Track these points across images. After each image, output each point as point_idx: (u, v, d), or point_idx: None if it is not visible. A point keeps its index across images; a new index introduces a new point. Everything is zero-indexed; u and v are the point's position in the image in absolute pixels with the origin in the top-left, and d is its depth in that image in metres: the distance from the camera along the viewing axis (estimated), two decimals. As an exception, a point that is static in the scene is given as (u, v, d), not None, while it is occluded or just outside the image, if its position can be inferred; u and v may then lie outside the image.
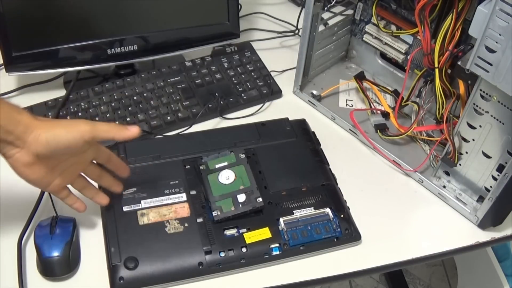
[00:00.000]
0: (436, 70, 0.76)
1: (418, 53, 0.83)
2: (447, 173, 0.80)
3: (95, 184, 0.72)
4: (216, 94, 0.91)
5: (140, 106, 0.88)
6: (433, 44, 0.75)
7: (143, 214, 0.71)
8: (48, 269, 0.67)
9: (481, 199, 0.77)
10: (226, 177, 0.75)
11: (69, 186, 0.68)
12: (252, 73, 0.96)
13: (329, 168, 0.81)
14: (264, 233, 0.71)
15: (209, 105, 0.89)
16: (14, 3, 0.80)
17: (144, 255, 0.67)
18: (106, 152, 0.69)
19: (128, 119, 0.85)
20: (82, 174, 0.69)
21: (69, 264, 0.67)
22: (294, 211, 0.73)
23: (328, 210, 0.74)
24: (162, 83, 0.91)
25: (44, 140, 0.59)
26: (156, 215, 0.71)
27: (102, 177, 0.70)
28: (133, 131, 0.65)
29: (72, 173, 0.67)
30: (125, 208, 0.72)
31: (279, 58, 1.01)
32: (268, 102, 0.93)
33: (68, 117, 0.84)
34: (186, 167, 0.78)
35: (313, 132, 0.87)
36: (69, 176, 0.67)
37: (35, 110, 0.85)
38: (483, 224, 0.76)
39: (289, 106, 0.93)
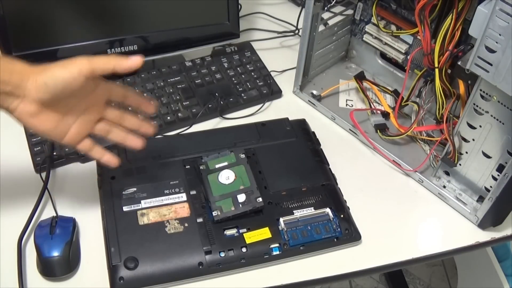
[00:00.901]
0: (436, 70, 0.76)
1: (418, 53, 0.83)
2: (447, 173, 0.80)
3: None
4: (216, 94, 0.91)
5: (140, 106, 0.88)
6: (433, 44, 0.75)
7: (143, 214, 0.71)
8: (48, 269, 0.67)
9: (481, 199, 0.77)
10: (226, 177, 0.75)
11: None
12: (252, 73, 0.96)
13: (329, 168, 0.81)
14: (264, 233, 0.71)
15: (209, 105, 0.89)
16: (14, 3, 0.80)
17: (144, 255, 0.67)
18: (120, 89, 0.65)
19: (128, 119, 0.85)
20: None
21: (69, 264, 0.67)
22: (294, 211, 0.74)
23: (328, 210, 0.74)
24: (162, 83, 0.91)
25: (43, 83, 0.57)
26: (156, 215, 0.71)
27: (125, 118, 0.67)
28: (134, 60, 0.61)
29: (88, 118, 0.63)
30: (125, 208, 0.72)
31: (279, 58, 1.01)
32: (268, 102, 0.93)
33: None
34: (186, 167, 0.78)
35: (313, 132, 0.87)
36: (85, 122, 0.63)
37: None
38: (483, 224, 0.76)
39: (289, 106, 0.93)
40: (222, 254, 0.69)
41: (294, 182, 0.77)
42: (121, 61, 0.61)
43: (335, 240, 0.72)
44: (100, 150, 0.66)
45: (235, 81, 0.94)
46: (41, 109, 0.59)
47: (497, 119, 0.69)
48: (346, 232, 0.73)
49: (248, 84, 0.94)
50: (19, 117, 0.59)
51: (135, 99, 0.67)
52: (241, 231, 0.71)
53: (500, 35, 0.61)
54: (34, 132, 0.59)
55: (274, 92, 0.94)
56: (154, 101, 0.61)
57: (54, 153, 0.79)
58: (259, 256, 0.70)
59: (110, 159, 0.67)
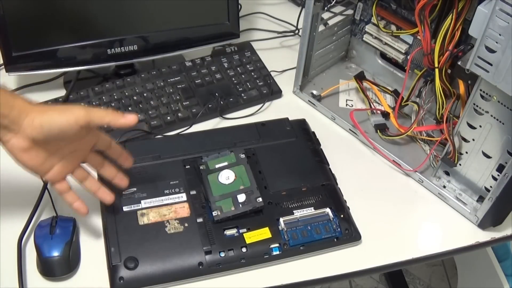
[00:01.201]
0: (436, 70, 0.76)
1: (418, 53, 0.83)
2: (447, 173, 0.80)
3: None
4: (216, 94, 0.91)
5: (140, 106, 0.88)
6: (433, 44, 0.75)
7: (143, 214, 0.71)
8: (48, 269, 0.67)
9: (481, 199, 0.77)
10: (226, 177, 0.75)
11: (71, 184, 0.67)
12: (252, 73, 0.96)
13: (329, 168, 0.81)
14: (264, 233, 0.71)
15: (209, 105, 0.89)
16: (14, 3, 0.80)
17: (144, 255, 0.67)
18: (106, 139, 0.68)
19: (128, 119, 0.85)
20: (83, 165, 0.68)
21: (69, 264, 0.67)
22: (294, 211, 0.73)
23: (328, 210, 0.74)
24: (162, 83, 0.91)
25: (38, 124, 0.59)
26: (156, 215, 0.71)
27: (104, 166, 0.69)
28: (129, 118, 0.64)
29: (72, 160, 0.66)
30: (125, 208, 0.72)
31: (279, 58, 1.01)
32: (268, 102, 0.93)
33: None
34: (186, 167, 0.78)
35: (313, 132, 0.87)
36: (68, 163, 0.65)
37: (35, 110, 0.85)
38: (483, 224, 0.76)
39: (289, 106, 0.93)
40: (222, 254, 0.69)
41: (294, 182, 0.77)
42: (117, 117, 0.63)
43: (335, 240, 0.72)
44: (73, 195, 0.67)
45: (235, 81, 0.94)
46: (32, 146, 0.61)
47: (497, 119, 0.69)
48: (346, 232, 0.73)
49: (248, 84, 0.94)
50: (10, 150, 0.61)
51: (117, 151, 0.70)
52: (241, 231, 0.71)
53: (500, 35, 0.61)
54: (20, 165, 0.62)
55: (274, 92, 0.94)
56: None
57: (54, 153, 0.79)
58: (259, 256, 0.70)
59: (80, 207, 0.68)
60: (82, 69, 0.90)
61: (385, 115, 0.89)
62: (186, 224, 0.71)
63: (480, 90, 0.69)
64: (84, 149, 0.67)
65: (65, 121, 0.60)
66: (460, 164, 0.77)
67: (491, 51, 0.63)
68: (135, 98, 0.88)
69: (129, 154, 0.71)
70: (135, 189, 0.74)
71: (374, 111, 0.89)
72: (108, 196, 0.69)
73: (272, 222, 0.72)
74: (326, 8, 0.87)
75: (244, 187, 0.74)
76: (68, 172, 0.67)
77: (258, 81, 0.94)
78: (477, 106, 0.71)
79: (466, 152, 0.76)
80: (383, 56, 0.94)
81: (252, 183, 0.75)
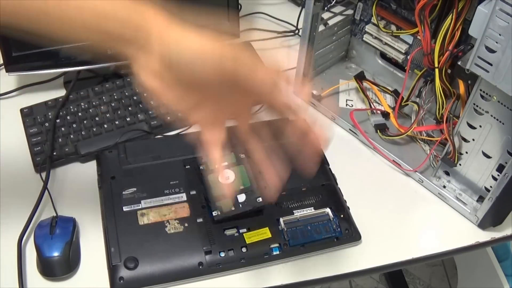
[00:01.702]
0: (436, 70, 0.76)
1: (418, 53, 0.83)
2: (447, 173, 0.80)
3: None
4: (216, 94, 0.90)
5: (140, 106, 0.87)
6: (433, 44, 0.75)
7: (143, 214, 0.71)
8: (48, 269, 0.67)
9: (481, 199, 0.77)
10: (226, 177, 0.75)
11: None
12: (252, 73, 0.95)
13: (329, 168, 0.81)
14: (264, 233, 0.71)
15: (209, 105, 0.89)
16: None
17: (144, 255, 0.67)
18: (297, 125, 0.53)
19: (128, 119, 0.85)
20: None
21: (69, 264, 0.67)
22: (294, 211, 0.73)
23: (328, 210, 0.74)
24: (162, 83, 0.91)
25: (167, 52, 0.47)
26: (156, 215, 0.71)
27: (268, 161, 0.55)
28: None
29: (228, 111, 0.53)
30: (125, 208, 0.72)
31: (279, 58, 1.01)
32: (268, 102, 0.93)
33: (68, 117, 0.84)
34: (186, 167, 0.78)
35: (313, 132, 0.87)
36: (223, 111, 0.53)
37: (35, 110, 0.85)
38: (483, 224, 0.76)
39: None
40: (222, 254, 0.69)
41: (294, 182, 0.77)
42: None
43: (335, 240, 0.72)
44: (220, 155, 0.54)
45: (235, 81, 0.94)
46: (165, 72, 0.49)
47: (497, 119, 0.69)
48: (346, 232, 0.73)
49: (248, 84, 0.94)
50: (138, 72, 0.50)
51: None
52: (241, 231, 0.71)
53: (500, 35, 0.61)
54: (155, 99, 0.50)
55: (274, 92, 0.94)
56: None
57: (54, 153, 0.79)
58: (259, 256, 0.70)
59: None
60: (82, 69, 0.90)
61: (385, 115, 0.89)
62: (186, 224, 0.71)
63: (480, 90, 0.69)
64: (246, 103, 0.53)
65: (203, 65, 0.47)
66: (460, 164, 0.77)
67: (491, 51, 0.63)
68: (135, 98, 0.88)
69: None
70: (135, 189, 0.74)
71: (374, 111, 0.89)
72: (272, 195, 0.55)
73: (272, 222, 0.72)
74: (326, 8, 0.87)
75: (244, 187, 0.74)
76: (223, 120, 0.54)
77: (258, 81, 0.94)
78: (477, 106, 0.71)
79: (466, 152, 0.76)
80: (383, 56, 0.94)
81: (252, 183, 0.75)
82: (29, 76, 0.90)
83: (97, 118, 0.85)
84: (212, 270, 0.68)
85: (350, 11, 0.93)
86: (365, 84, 0.93)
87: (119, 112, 0.86)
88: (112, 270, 0.66)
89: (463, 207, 0.78)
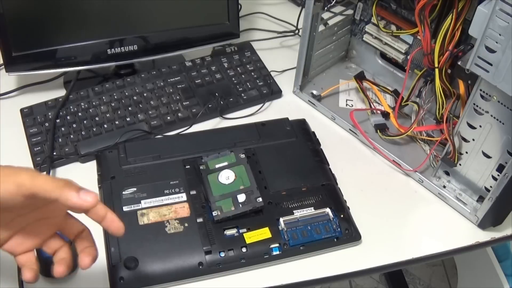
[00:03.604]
0: (436, 70, 0.76)
1: (418, 53, 0.83)
2: (447, 173, 0.80)
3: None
4: (216, 94, 0.91)
5: (140, 106, 0.88)
6: (433, 44, 0.75)
7: (143, 214, 0.71)
8: (48, 269, 0.67)
9: (481, 199, 0.77)
10: (226, 177, 0.75)
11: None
12: (252, 73, 0.96)
13: (329, 168, 0.81)
14: (264, 233, 0.71)
15: (209, 105, 0.89)
16: (14, 3, 0.80)
17: (144, 255, 0.67)
18: (74, 224, 0.56)
19: (128, 119, 0.85)
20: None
21: (69, 264, 0.67)
22: (294, 211, 0.73)
23: (328, 210, 0.74)
24: (162, 83, 0.91)
25: None
26: (156, 215, 0.71)
27: (86, 233, 0.57)
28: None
29: (40, 230, 0.54)
30: (125, 208, 0.72)
31: (279, 58, 1.01)
32: (268, 102, 0.93)
33: (68, 117, 0.84)
34: (186, 167, 0.78)
35: (313, 132, 0.87)
36: (33, 234, 0.54)
37: (35, 110, 0.85)
38: (483, 224, 0.76)
39: (289, 106, 0.93)
40: (222, 254, 0.69)
41: (294, 182, 0.77)
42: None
43: (335, 240, 0.72)
44: (33, 271, 0.54)
45: (235, 81, 0.94)
46: None
47: (497, 119, 0.69)
48: (346, 232, 0.73)
49: (248, 84, 0.94)
50: None
51: (88, 240, 0.57)
52: (241, 231, 0.71)
53: (500, 35, 0.61)
54: None
55: (274, 92, 0.94)
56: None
57: (54, 153, 0.79)
58: (259, 256, 0.70)
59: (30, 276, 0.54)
60: (82, 69, 0.90)
61: (385, 115, 0.89)
62: (186, 224, 0.71)
63: (480, 90, 0.69)
64: (57, 215, 0.54)
65: (3, 190, 0.47)
66: (460, 164, 0.77)
67: (491, 51, 0.63)
68: (135, 98, 0.88)
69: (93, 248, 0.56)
70: (135, 189, 0.74)
71: (374, 111, 0.89)
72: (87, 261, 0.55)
73: (272, 222, 0.72)
74: (326, 8, 0.87)
75: (244, 187, 0.74)
76: (35, 244, 0.55)
77: (258, 81, 0.94)
78: (477, 106, 0.71)
79: (466, 152, 0.76)
80: (383, 56, 0.94)
81: (252, 183, 0.75)
82: (29, 76, 0.90)
83: (97, 118, 0.85)
84: (212, 270, 0.68)
85: (350, 11, 0.93)
86: (365, 84, 0.93)
87: (119, 112, 0.86)
88: (112, 270, 0.66)
89: (463, 207, 0.78)
